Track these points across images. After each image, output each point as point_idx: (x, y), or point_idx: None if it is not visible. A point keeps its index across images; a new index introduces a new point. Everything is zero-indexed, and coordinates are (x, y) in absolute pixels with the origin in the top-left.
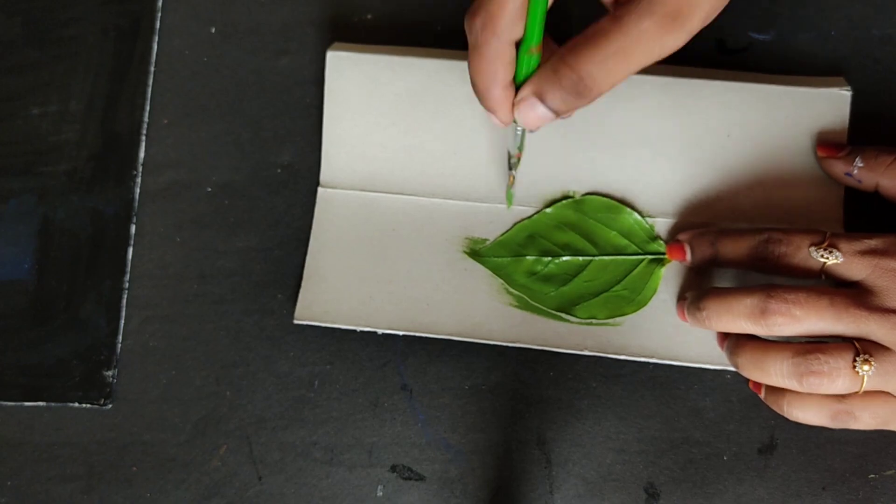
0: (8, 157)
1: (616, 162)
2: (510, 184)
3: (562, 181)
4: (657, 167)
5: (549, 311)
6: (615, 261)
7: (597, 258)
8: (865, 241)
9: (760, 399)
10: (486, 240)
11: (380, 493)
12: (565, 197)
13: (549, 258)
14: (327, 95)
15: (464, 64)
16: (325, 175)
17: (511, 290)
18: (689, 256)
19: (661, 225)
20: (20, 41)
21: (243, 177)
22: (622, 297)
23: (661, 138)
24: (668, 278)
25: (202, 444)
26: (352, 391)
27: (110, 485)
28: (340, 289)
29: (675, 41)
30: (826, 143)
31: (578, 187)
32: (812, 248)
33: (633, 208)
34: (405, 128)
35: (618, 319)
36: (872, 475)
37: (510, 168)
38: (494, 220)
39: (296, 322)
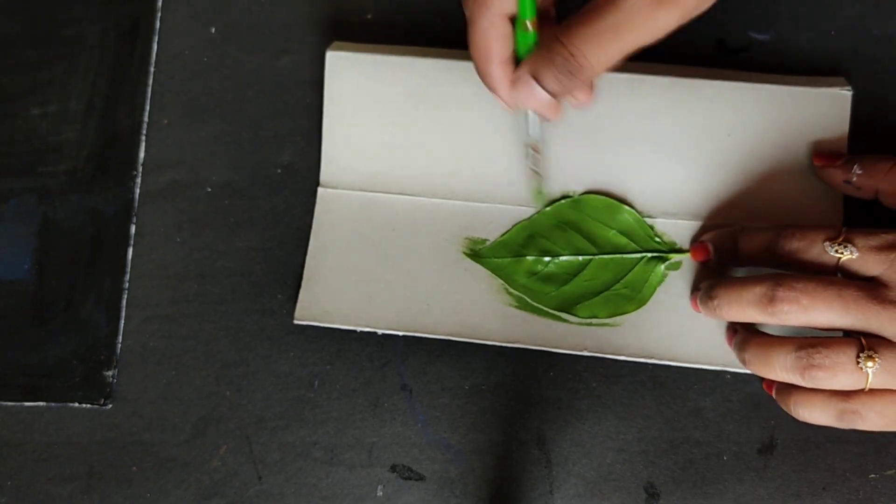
0: (8, 157)
1: (615, 161)
2: (537, 183)
3: (561, 181)
4: (657, 167)
5: (549, 311)
6: (615, 259)
7: (597, 257)
8: (882, 235)
9: (764, 399)
10: (486, 240)
11: (380, 493)
12: (564, 196)
13: (549, 258)
14: (327, 95)
15: (464, 64)
16: (325, 175)
17: (511, 290)
18: (712, 254)
19: (661, 225)
20: (20, 41)
21: (243, 177)
22: (622, 295)
23: (661, 138)
24: (668, 277)
25: (202, 444)
26: (352, 391)
27: (110, 485)
28: (340, 289)
29: (667, 19)
30: (822, 153)
31: (578, 186)
32: (827, 244)
33: (633, 207)
34: (405, 128)
35: (617, 319)
36: (872, 475)
37: (528, 161)
38: (494, 221)
39: (296, 322)
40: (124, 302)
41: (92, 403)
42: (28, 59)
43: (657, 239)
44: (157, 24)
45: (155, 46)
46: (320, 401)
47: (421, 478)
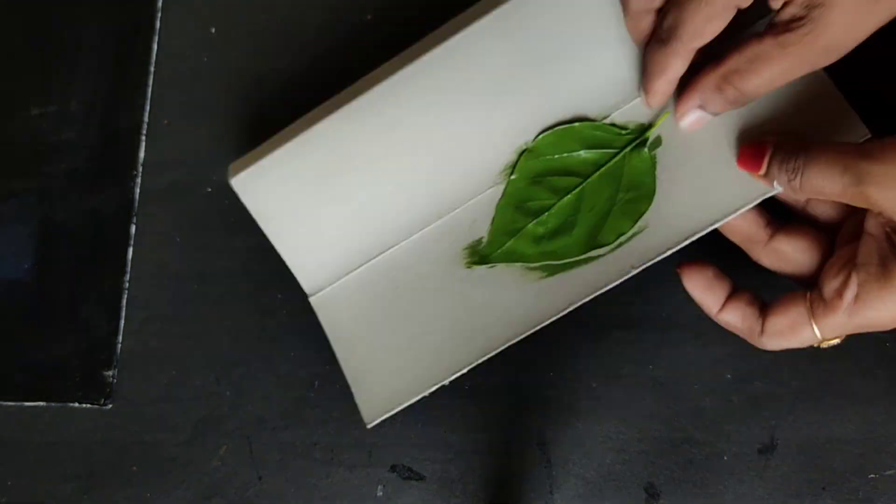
0: (8, 157)
1: (547, 90)
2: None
3: (510, 143)
4: (587, 68)
5: (579, 259)
6: (601, 174)
7: (585, 183)
8: None
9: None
10: (480, 238)
11: (380, 493)
12: (520, 153)
13: (545, 213)
14: (256, 217)
15: (356, 103)
16: (304, 284)
17: (531, 266)
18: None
19: (619, 116)
20: (20, 41)
21: None
22: (630, 199)
23: (595, 36)
24: (657, 157)
25: (202, 444)
26: (352, 391)
27: (110, 485)
28: (387, 369)
29: (827, 61)
30: (746, 147)
31: (528, 137)
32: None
33: (586, 119)
34: (346, 192)
35: (640, 224)
36: (872, 475)
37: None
38: (477, 217)
39: (369, 427)
40: (124, 302)
41: (92, 403)
42: (28, 59)
43: (624, 131)
44: (157, 24)
45: (155, 46)
46: (320, 401)
47: (421, 478)
